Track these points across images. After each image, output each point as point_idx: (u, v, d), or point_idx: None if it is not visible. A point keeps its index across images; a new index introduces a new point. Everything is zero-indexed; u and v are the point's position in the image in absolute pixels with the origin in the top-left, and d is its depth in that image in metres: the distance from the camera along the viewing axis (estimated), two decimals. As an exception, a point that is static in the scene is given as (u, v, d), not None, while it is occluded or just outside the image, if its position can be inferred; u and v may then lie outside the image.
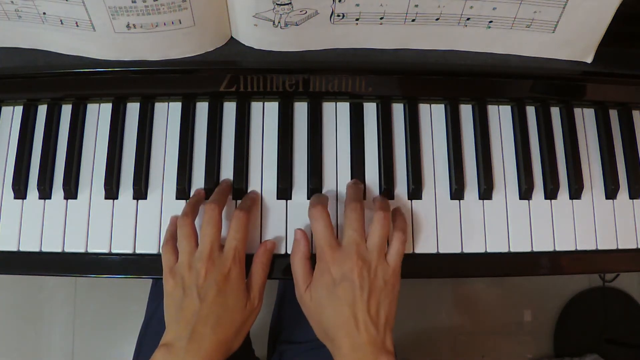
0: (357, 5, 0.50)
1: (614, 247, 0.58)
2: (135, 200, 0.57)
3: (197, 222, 0.54)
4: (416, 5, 0.51)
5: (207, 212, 0.51)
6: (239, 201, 0.57)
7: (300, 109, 0.60)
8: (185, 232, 0.52)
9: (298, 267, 0.53)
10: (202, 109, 0.59)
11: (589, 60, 0.57)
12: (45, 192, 0.57)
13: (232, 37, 0.56)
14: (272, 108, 0.59)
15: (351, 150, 0.58)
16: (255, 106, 0.60)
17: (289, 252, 0.56)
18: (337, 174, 0.58)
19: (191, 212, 0.53)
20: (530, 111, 0.61)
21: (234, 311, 0.50)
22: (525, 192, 0.58)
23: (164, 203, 0.57)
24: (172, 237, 0.54)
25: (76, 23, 0.50)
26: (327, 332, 0.50)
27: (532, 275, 0.59)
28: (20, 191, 0.57)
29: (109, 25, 0.50)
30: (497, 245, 0.57)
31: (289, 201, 0.57)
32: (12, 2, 0.50)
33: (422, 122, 0.60)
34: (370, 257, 0.50)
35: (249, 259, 0.54)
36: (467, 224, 0.57)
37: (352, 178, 0.57)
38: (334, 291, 0.49)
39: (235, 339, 0.51)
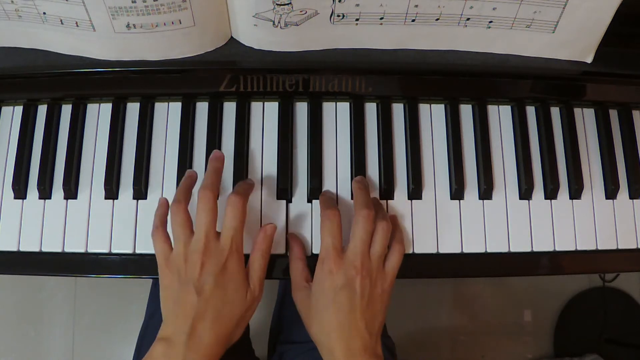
0: (357, 5, 0.50)
1: (614, 247, 0.58)
2: (135, 200, 0.57)
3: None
4: (416, 6, 0.51)
5: (200, 199, 0.48)
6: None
7: (301, 109, 0.60)
8: (179, 220, 0.49)
9: (294, 268, 0.53)
10: (202, 109, 0.59)
11: (589, 60, 0.57)
12: (45, 192, 0.57)
13: (232, 37, 0.56)
14: (272, 108, 0.59)
15: (351, 151, 0.58)
16: (255, 106, 0.60)
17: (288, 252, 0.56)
18: (337, 174, 0.58)
19: (184, 198, 0.51)
20: (530, 111, 0.61)
21: (233, 304, 0.49)
22: (525, 192, 0.58)
23: (164, 203, 0.57)
24: (162, 222, 0.52)
25: (76, 23, 0.50)
26: (320, 335, 0.50)
27: (532, 275, 0.59)
28: (20, 191, 0.57)
29: (109, 25, 0.50)
30: (497, 245, 0.57)
31: (289, 201, 0.57)
32: (12, 2, 0.50)
33: (422, 122, 0.60)
34: (372, 267, 0.50)
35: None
36: (467, 224, 0.57)
37: (352, 178, 0.57)
38: (334, 297, 0.49)
39: (236, 330, 0.50)
